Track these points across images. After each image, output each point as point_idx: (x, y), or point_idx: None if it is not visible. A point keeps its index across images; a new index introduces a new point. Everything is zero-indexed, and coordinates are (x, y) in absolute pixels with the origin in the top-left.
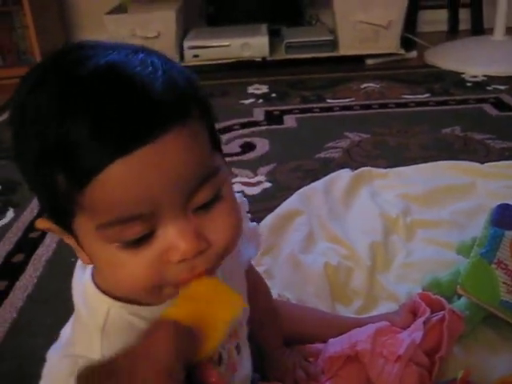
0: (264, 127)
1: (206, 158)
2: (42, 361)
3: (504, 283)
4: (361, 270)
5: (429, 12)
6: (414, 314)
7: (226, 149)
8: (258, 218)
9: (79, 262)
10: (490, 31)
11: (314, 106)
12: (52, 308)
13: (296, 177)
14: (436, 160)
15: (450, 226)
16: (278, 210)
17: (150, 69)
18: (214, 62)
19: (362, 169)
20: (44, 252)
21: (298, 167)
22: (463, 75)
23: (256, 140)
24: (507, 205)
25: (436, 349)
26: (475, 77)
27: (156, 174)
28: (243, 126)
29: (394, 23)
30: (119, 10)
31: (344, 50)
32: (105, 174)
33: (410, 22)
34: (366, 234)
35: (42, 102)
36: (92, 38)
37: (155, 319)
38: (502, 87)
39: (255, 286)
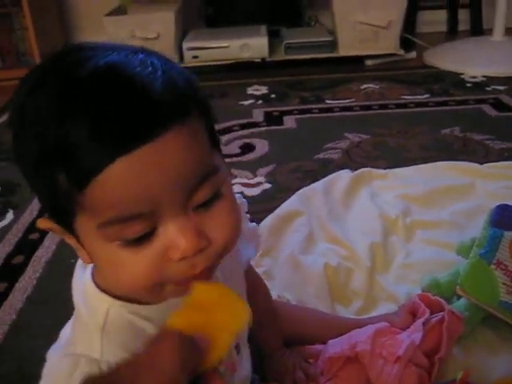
0: (263, 128)
1: (205, 157)
2: (41, 362)
3: (503, 284)
4: (360, 270)
5: (428, 12)
6: (414, 314)
7: (225, 150)
8: (257, 218)
9: (79, 262)
10: (490, 32)
11: (314, 106)
12: (51, 309)
13: (296, 178)
14: (435, 161)
15: (450, 227)
16: (277, 211)
17: (150, 69)
18: (214, 63)
19: (362, 170)
20: (43, 253)
21: (297, 168)
22: (462, 76)
23: (255, 141)
24: (506, 205)
25: (435, 350)
26: (474, 77)
27: (156, 173)
28: (242, 126)
29: (393, 24)
30: (118, 11)
31: (343, 51)
32: (105, 174)
33: (410, 22)
34: (366, 234)
35: (42, 104)
36: (91, 40)
37: (160, 329)
38: (502, 88)
39: (255, 287)
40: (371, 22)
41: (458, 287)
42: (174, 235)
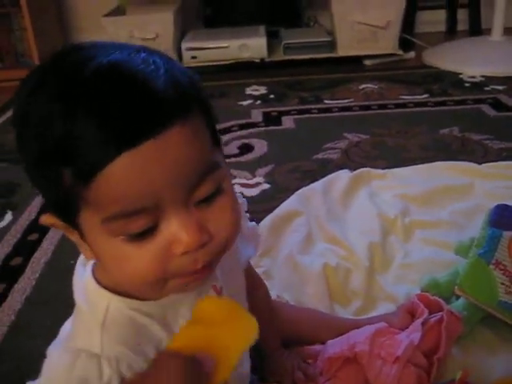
0: (262, 128)
1: (207, 153)
2: (41, 362)
3: (502, 284)
4: (359, 270)
5: (427, 12)
6: (412, 314)
7: (224, 150)
8: (256, 219)
9: (80, 260)
10: (488, 32)
11: (313, 106)
12: (51, 310)
13: (294, 178)
14: (434, 160)
15: (449, 227)
16: (276, 211)
17: (153, 67)
18: (212, 64)
19: (361, 170)
20: (42, 254)
21: (296, 168)
22: (461, 76)
23: (254, 141)
24: (505, 205)
25: (434, 350)
26: (473, 77)
27: (159, 169)
28: (241, 127)
29: (392, 24)
30: (117, 11)
31: (342, 51)
32: (109, 169)
33: (408, 22)
34: (365, 234)
35: (47, 102)
36: (90, 40)
37: (165, 350)
38: (500, 87)
39: (254, 287)
40: (370, 22)
41: (456, 287)
42: (176, 230)
